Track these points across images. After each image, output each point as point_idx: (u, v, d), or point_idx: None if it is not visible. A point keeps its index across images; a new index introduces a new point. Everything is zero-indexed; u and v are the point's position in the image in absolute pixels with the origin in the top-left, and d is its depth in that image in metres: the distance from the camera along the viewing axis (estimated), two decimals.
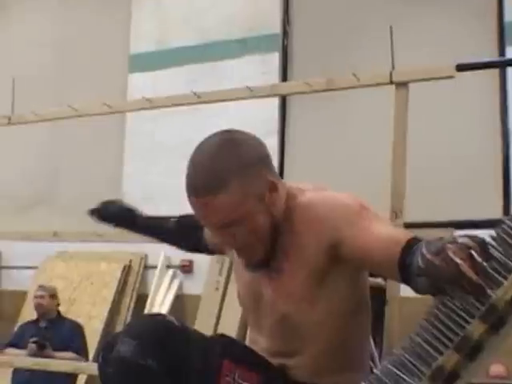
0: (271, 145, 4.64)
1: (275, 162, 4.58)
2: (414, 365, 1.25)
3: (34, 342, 4.09)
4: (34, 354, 4.04)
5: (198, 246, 1.98)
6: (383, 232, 1.38)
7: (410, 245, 1.27)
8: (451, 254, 1.10)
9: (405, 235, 1.33)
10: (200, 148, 1.46)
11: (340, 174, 4.38)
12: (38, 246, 4.58)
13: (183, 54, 5.09)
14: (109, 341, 1.48)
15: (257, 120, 4.62)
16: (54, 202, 5.57)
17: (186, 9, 5.29)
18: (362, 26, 4.55)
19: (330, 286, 1.47)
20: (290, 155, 4.78)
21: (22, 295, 5.30)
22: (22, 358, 3.84)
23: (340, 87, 3.72)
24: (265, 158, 1.48)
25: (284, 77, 4.79)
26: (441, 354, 1.21)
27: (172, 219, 2.03)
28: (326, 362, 1.50)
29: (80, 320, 4.53)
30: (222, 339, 1.60)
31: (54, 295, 4.43)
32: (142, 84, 5.06)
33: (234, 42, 4.97)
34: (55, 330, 4.33)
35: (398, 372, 1.27)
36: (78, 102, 4.28)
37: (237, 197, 1.39)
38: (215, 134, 1.48)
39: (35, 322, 4.41)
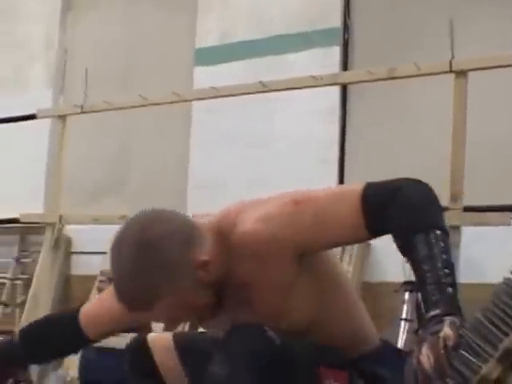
0: (332, 133, 4.84)
1: (335, 151, 4.80)
2: (480, 346, 1.28)
3: None
4: None
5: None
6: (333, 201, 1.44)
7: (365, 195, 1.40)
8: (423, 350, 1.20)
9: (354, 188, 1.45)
10: (119, 254, 1.43)
11: (400, 161, 4.47)
12: (108, 231, 4.83)
13: (246, 48, 5.26)
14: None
15: (318, 110, 4.79)
16: (124, 189, 5.83)
17: (249, 4, 5.46)
18: (421, 18, 4.63)
19: (303, 283, 1.48)
20: (351, 142, 4.90)
21: (91, 280, 5.58)
22: None
23: (401, 76, 3.82)
24: (186, 241, 1.44)
25: (344, 69, 4.91)
26: (506, 335, 1.24)
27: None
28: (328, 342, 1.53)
29: None
30: (305, 345, 1.52)
31: None
32: (207, 77, 5.27)
33: (296, 36, 5.10)
34: None
35: (463, 353, 1.29)
36: (145, 93, 4.56)
37: (171, 298, 1.40)
38: (129, 232, 1.43)
39: None
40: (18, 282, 6.09)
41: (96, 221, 4.70)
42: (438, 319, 1.21)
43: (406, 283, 3.78)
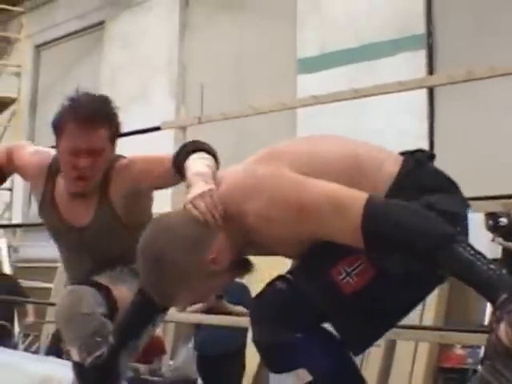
0: (422, 132, 5.34)
1: (425, 145, 5.28)
2: None
3: None
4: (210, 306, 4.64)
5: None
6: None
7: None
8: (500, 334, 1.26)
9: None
10: (139, 266, 1.54)
11: (483, 152, 4.93)
12: None
13: (343, 56, 5.82)
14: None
15: (408, 111, 5.32)
16: None
17: (343, 16, 6.02)
18: (498, 23, 5.07)
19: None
20: (440, 140, 5.37)
21: None
22: (198, 316, 4.45)
23: (478, 77, 4.29)
24: (189, 247, 1.49)
25: (430, 72, 5.38)
26: None
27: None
28: None
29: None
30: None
31: None
32: (308, 84, 5.88)
33: (387, 43, 5.62)
34: (227, 291, 4.64)
35: None
36: (255, 103, 5.19)
37: (189, 292, 1.53)
38: (141, 247, 1.53)
39: None
40: None
41: None
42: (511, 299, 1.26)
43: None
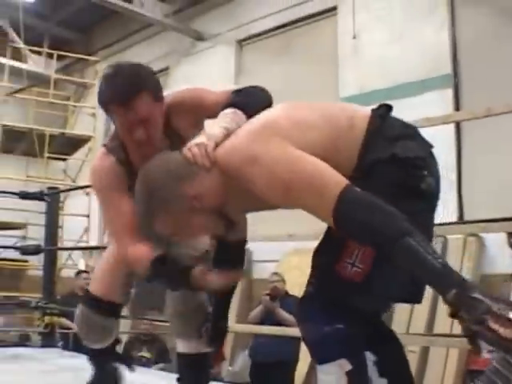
0: (451, 161, 5.78)
1: (453, 177, 5.85)
2: None
3: (267, 295, 5.42)
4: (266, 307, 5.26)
5: None
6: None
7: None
8: (491, 324, 1.25)
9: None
10: (136, 190, 1.70)
11: (507, 183, 5.31)
12: (278, 244, 5.93)
13: (378, 95, 6.25)
14: None
15: (437, 143, 5.80)
16: None
17: (378, 59, 6.57)
18: None
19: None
20: (466, 169, 5.84)
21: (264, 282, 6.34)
22: (259, 327, 4.90)
23: (498, 113, 4.62)
24: (177, 177, 1.62)
25: (457, 108, 5.87)
26: None
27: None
28: None
29: None
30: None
31: (283, 280, 5.75)
32: None
33: (416, 83, 6.15)
34: (283, 303, 5.43)
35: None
36: None
37: (169, 218, 1.64)
38: (140, 174, 1.69)
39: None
40: None
41: (269, 239, 5.09)
42: (471, 298, 1.28)
43: None
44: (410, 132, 1.67)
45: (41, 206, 5.26)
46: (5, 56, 9.77)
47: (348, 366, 1.50)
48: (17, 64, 9.98)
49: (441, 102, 5.99)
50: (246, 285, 6.90)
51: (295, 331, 3.84)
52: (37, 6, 9.82)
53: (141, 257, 1.90)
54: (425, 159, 1.62)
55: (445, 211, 5.40)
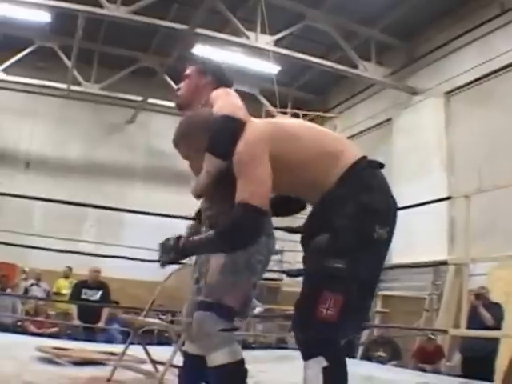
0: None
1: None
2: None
3: (474, 295, 6.22)
4: (472, 304, 5.94)
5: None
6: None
7: None
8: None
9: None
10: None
11: None
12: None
13: None
14: None
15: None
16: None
17: None
18: None
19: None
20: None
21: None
22: None
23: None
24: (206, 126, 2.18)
25: None
26: None
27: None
28: None
29: None
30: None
31: (487, 290, 6.58)
32: None
33: None
34: (487, 308, 6.18)
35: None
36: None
37: (187, 148, 2.23)
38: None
39: None
40: (434, 296, 8.31)
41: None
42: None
43: None
44: (383, 188, 1.98)
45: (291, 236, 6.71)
46: None
47: (324, 363, 1.85)
48: None
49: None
50: (458, 296, 7.73)
51: (496, 333, 5.31)
52: (280, 76, 11.35)
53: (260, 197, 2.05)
54: (386, 213, 1.94)
55: None
